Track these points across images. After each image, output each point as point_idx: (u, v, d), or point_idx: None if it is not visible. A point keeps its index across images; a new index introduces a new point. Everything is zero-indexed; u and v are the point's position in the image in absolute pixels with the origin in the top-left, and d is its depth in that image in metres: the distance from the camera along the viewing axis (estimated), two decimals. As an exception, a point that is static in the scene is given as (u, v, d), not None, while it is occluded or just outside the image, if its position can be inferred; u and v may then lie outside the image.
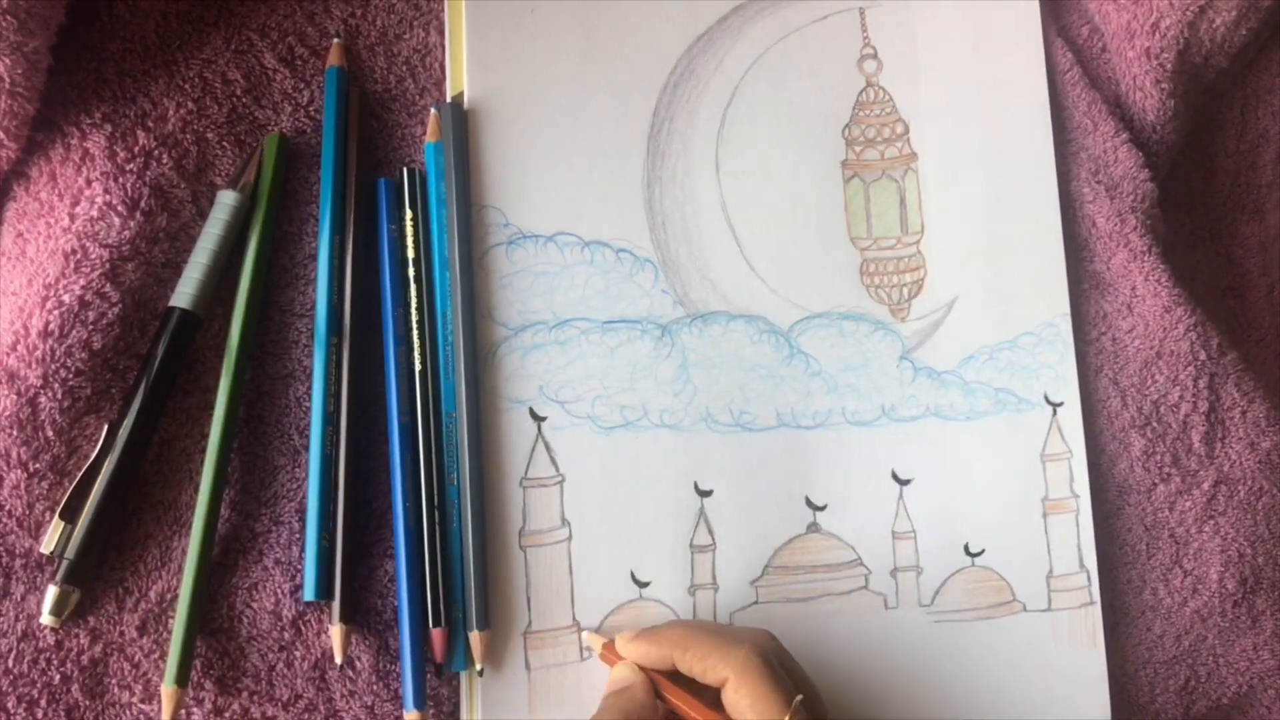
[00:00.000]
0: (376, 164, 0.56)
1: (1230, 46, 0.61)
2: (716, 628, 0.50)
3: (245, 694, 0.50)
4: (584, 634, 0.53)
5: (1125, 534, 0.61)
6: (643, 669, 0.50)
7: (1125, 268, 0.61)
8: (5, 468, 0.48)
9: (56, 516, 0.48)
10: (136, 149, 0.52)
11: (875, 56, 0.60)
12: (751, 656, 0.46)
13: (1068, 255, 0.61)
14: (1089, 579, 0.59)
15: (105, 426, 0.49)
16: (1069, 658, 0.58)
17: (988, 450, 0.59)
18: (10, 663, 0.48)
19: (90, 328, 0.49)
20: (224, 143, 0.54)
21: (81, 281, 0.49)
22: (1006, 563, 0.59)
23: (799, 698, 0.46)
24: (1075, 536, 0.59)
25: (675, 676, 0.49)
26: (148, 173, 0.52)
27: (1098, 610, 0.59)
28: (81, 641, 0.49)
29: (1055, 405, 0.60)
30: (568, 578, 0.53)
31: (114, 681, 0.49)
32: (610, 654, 0.51)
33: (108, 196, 0.50)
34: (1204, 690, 0.61)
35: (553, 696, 0.52)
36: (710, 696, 0.48)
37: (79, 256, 0.50)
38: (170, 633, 0.49)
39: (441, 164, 0.54)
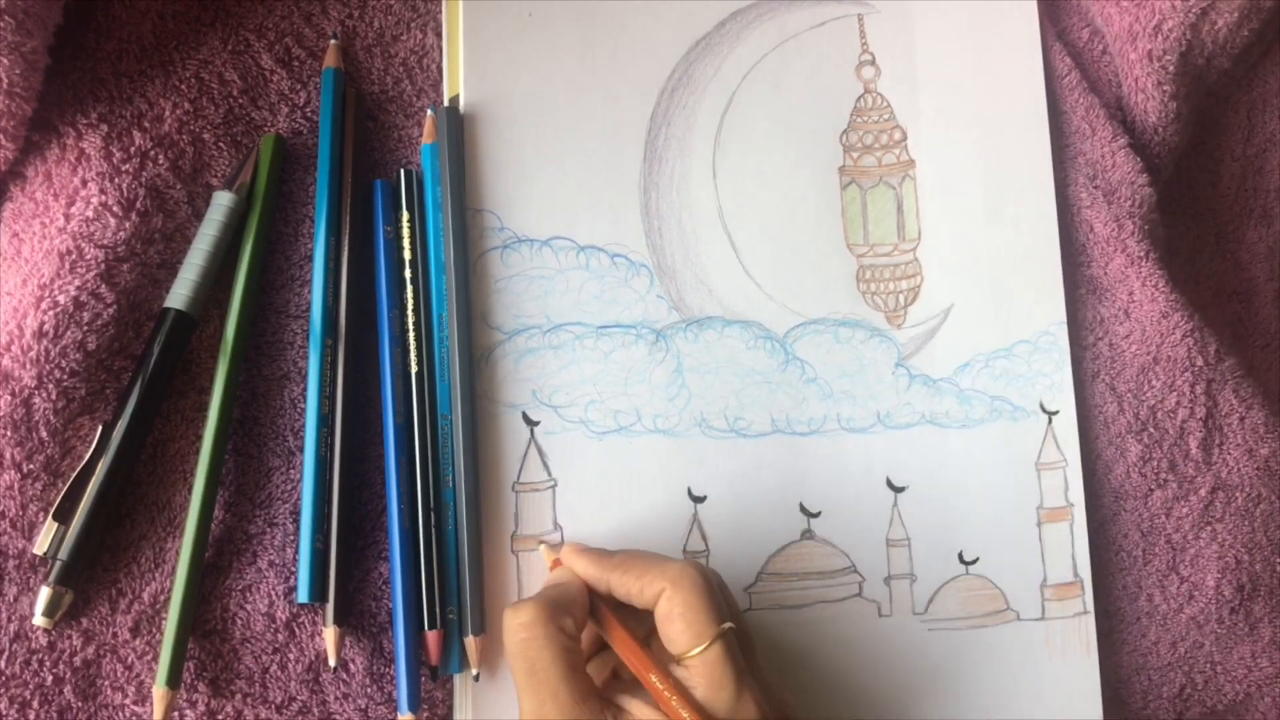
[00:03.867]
0: (373, 165, 0.55)
1: (1232, 48, 0.61)
2: (658, 555, 0.48)
3: (238, 696, 0.50)
4: (541, 547, 0.52)
5: (1121, 539, 0.61)
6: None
7: (1122, 273, 0.61)
8: (-1, 468, 0.48)
9: (50, 517, 0.48)
10: (132, 149, 0.52)
11: (873, 63, 0.60)
12: (689, 569, 0.46)
13: (1065, 261, 0.61)
14: (1083, 588, 0.59)
15: (99, 427, 0.49)
16: (1062, 667, 0.58)
17: (983, 458, 0.59)
18: (2, 664, 0.48)
19: (85, 328, 0.49)
20: (220, 143, 0.54)
21: (76, 282, 0.49)
22: (1000, 571, 0.59)
23: (729, 625, 0.45)
24: (1070, 545, 0.59)
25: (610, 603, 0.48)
26: (144, 173, 0.51)
27: (1091, 619, 0.59)
28: (74, 643, 0.49)
29: (1051, 414, 0.60)
30: (560, 582, 0.53)
31: (106, 683, 0.49)
32: (557, 564, 0.50)
33: (103, 197, 0.50)
34: (1200, 697, 0.61)
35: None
36: (640, 633, 0.48)
37: (74, 257, 0.49)
38: (163, 634, 0.49)
39: (438, 166, 0.54)
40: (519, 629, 0.45)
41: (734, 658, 0.44)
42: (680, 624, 0.45)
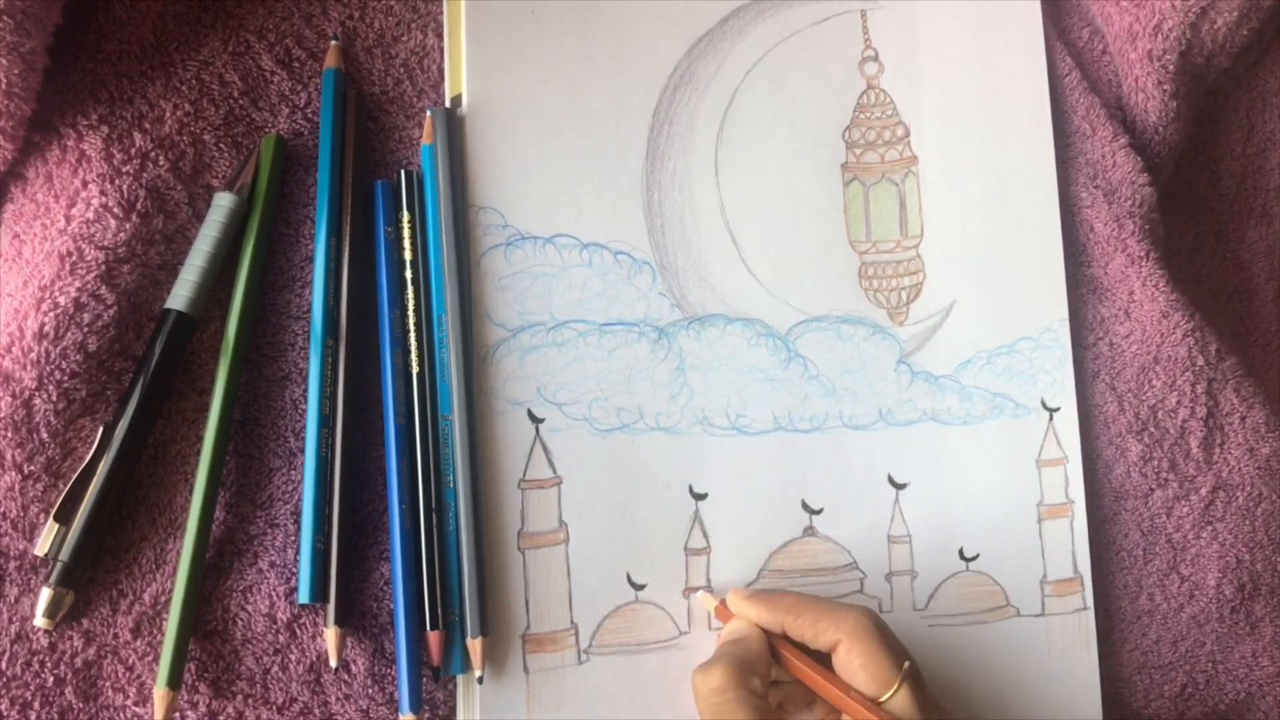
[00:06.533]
0: (374, 166, 0.55)
1: (1231, 47, 0.61)
2: (824, 599, 0.51)
3: (239, 697, 0.50)
4: (699, 594, 0.54)
5: (1122, 539, 0.61)
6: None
7: (1123, 273, 0.61)
8: (0, 470, 0.48)
9: (51, 519, 0.48)
10: (133, 150, 0.52)
11: (876, 59, 0.60)
12: (863, 620, 0.48)
13: (1066, 260, 0.61)
14: (1083, 584, 0.59)
15: (100, 428, 0.49)
16: (1061, 663, 0.58)
17: (984, 455, 0.59)
18: (3, 665, 0.48)
19: (85, 330, 0.49)
20: (221, 145, 0.54)
21: (77, 283, 0.49)
22: (1001, 568, 0.59)
23: (909, 663, 0.48)
24: (1070, 542, 0.59)
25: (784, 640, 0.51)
26: (144, 174, 0.51)
27: (1091, 616, 0.59)
28: (75, 644, 0.49)
29: (1052, 410, 0.60)
30: (565, 580, 0.53)
31: (107, 684, 0.49)
32: (724, 611, 0.53)
33: (104, 198, 0.50)
34: (1201, 696, 0.61)
35: (551, 700, 0.52)
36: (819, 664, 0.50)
37: (75, 258, 0.49)
38: (164, 635, 0.49)
39: (438, 166, 0.54)
40: (711, 694, 0.47)
41: (922, 691, 0.48)
42: (863, 674, 0.47)
